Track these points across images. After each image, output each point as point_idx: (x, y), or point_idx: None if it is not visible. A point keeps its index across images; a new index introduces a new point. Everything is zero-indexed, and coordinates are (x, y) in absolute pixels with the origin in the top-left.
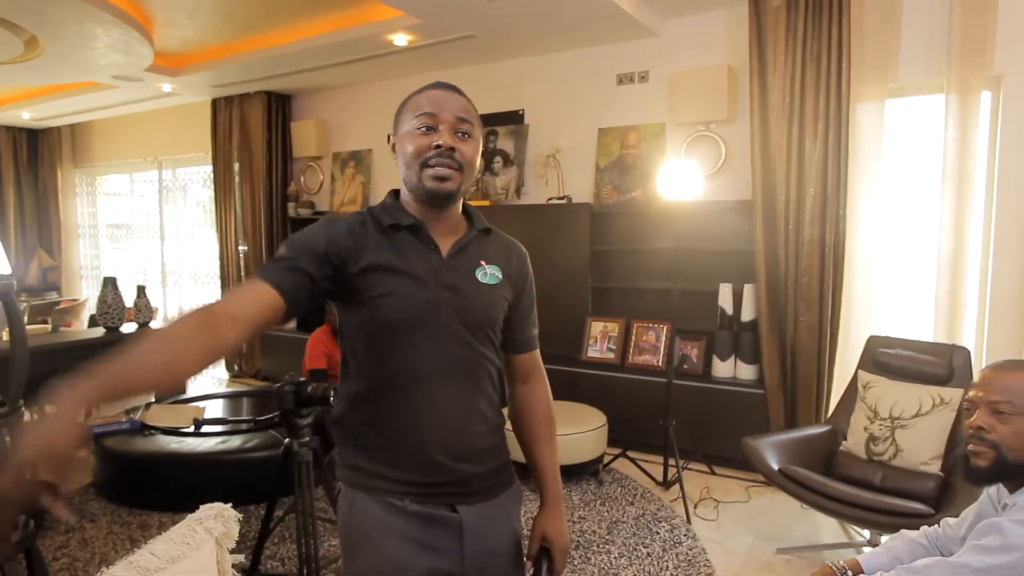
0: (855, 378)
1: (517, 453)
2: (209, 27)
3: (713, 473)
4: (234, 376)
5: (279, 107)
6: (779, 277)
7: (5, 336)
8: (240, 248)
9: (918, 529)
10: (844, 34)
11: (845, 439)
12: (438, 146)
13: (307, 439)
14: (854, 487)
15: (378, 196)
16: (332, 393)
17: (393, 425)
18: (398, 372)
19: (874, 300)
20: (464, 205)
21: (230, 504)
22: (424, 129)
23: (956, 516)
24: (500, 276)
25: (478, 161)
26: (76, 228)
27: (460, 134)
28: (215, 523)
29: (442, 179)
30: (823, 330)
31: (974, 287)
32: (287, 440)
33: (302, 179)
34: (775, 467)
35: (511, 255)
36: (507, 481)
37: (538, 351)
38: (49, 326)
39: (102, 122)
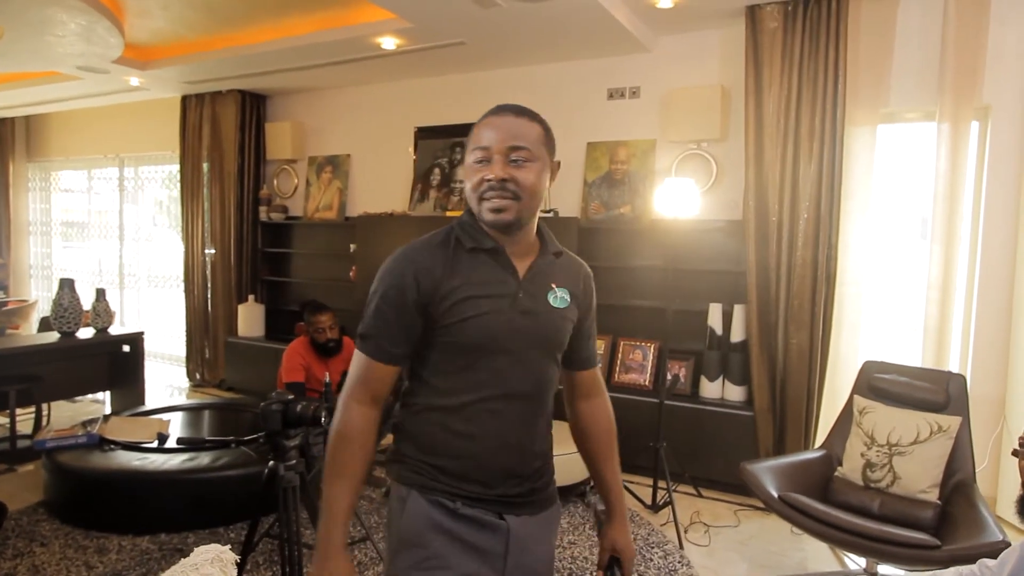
0: (850, 402)
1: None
2: (184, 20)
3: (700, 496)
4: (196, 386)
5: (253, 107)
6: (770, 298)
7: None
8: (207, 252)
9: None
10: (840, 57)
11: (841, 465)
12: (489, 180)
13: (294, 462)
14: (853, 515)
15: (356, 203)
16: (324, 414)
17: (463, 436)
18: (474, 389)
19: (863, 323)
20: (539, 227)
21: (228, 547)
22: (480, 163)
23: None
24: (568, 299)
25: (542, 183)
26: (27, 225)
27: (514, 162)
28: (213, 568)
29: (498, 211)
30: (813, 352)
31: (959, 314)
32: (272, 462)
33: (275, 182)
34: (774, 494)
35: (578, 276)
36: (551, 498)
37: (599, 367)
38: None
39: (60, 115)
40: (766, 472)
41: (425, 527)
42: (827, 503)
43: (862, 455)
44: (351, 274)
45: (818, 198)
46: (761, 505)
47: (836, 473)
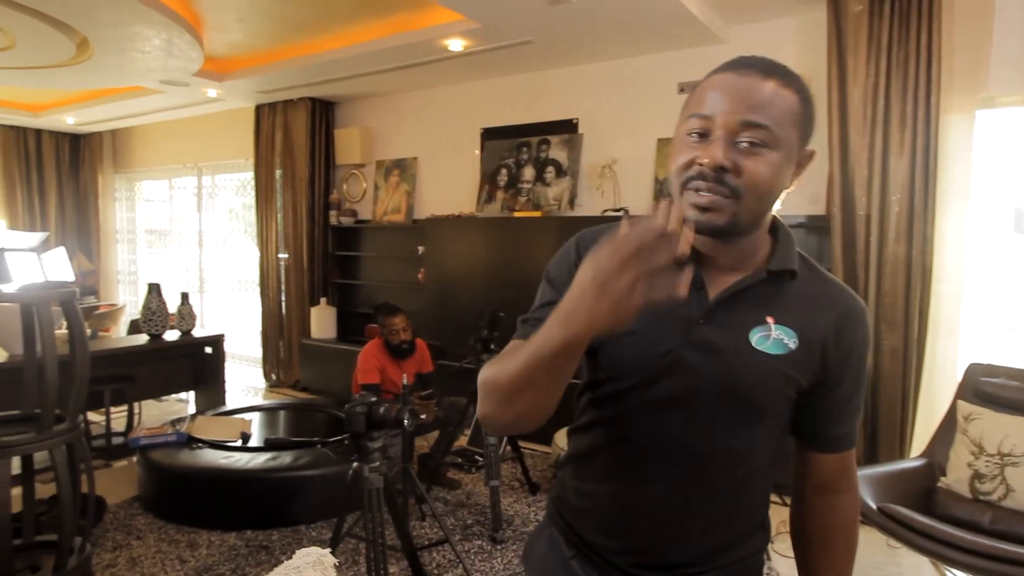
0: (953, 408)
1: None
2: (259, 31)
3: (785, 504)
4: (272, 386)
5: (323, 114)
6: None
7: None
8: (280, 256)
9: None
10: (934, 40)
11: (944, 475)
12: (700, 164)
13: (377, 463)
14: (962, 530)
15: (423, 206)
16: (407, 416)
17: (595, 490)
18: (611, 433)
19: (963, 324)
20: (775, 230)
21: (328, 550)
22: (696, 136)
23: None
24: (793, 344)
25: (779, 180)
26: (114, 233)
27: (744, 144)
28: (314, 571)
29: (704, 209)
30: (908, 354)
31: None
32: (355, 463)
33: (344, 187)
34: (872, 505)
35: (829, 314)
36: None
37: (852, 452)
38: (88, 331)
39: (143, 127)
40: (861, 481)
41: (536, 560)
42: (930, 516)
43: (969, 465)
44: (420, 276)
45: (910, 190)
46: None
47: (939, 484)
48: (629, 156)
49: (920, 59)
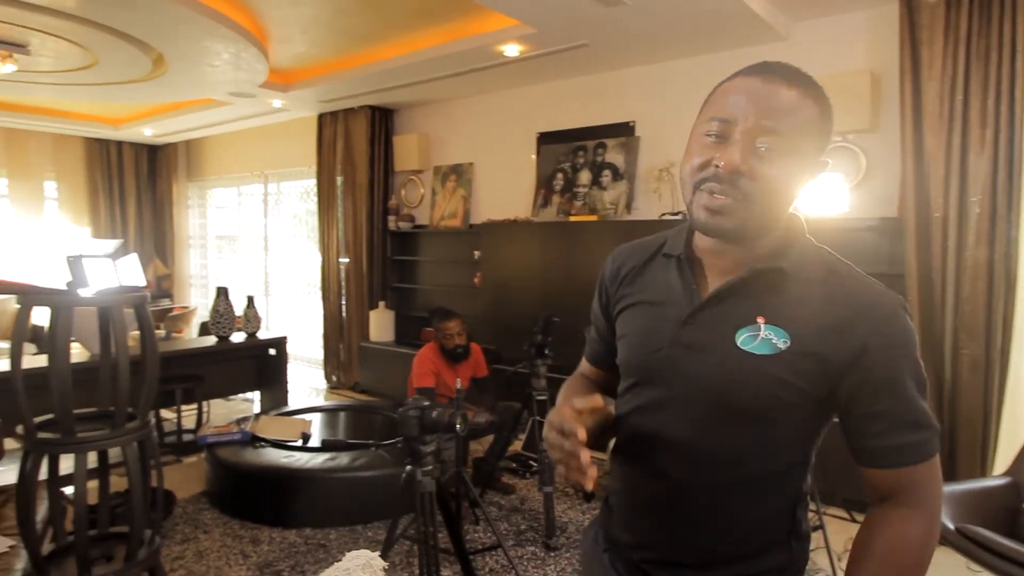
0: None
1: None
2: (322, 43)
3: (854, 520)
4: (332, 387)
5: (382, 121)
6: (935, 304)
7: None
8: (341, 260)
9: None
10: (1018, 30)
11: None
12: (716, 166)
13: (430, 467)
14: None
15: (479, 210)
16: (460, 420)
17: (616, 486)
18: (630, 427)
19: None
20: (793, 233)
21: (378, 553)
22: (712, 138)
23: None
24: (783, 346)
25: (792, 186)
26: (187, 239)
27: (762, 149)
28: (363, 574)
29: (715, 212)
30: (991, 365)
31: None
32: (409, 466)
33: (403, 192)
34: (950, 525)
35: (837, 314)
36: None
37: (914, 469)
38: (163, 332)
39: (214, 138)
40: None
41: (584, 551)
42: (1015, 539)
43: None
44: (476, 280)
45: (992, 190)
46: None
47: None
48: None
49: (1003, 51)
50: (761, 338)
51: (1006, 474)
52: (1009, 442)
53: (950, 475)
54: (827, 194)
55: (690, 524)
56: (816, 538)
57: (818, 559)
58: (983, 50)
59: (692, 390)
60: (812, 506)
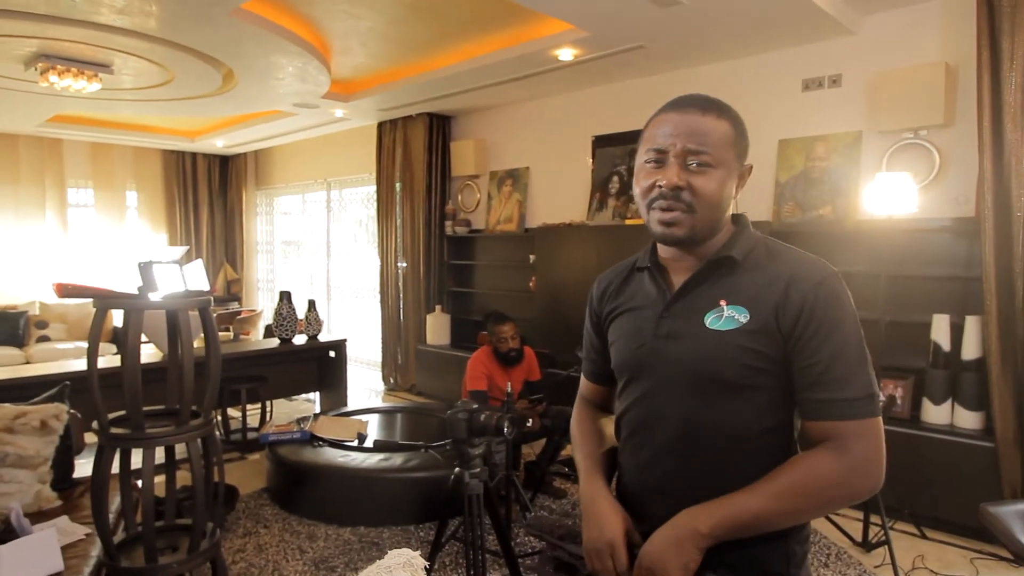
0: None
1: None
2: (380, 53)
3: (924, 537)
4: (390, 390)
5: (440, 128)
6: (1016, 308)
7: (198, 344)
8: (399, 265)
9: None
10: None
11: None
12: (660, 186)
13: (478, 470)
14: None
15: (534, 214)
16: (506, 424)
17: (622, 471)
18: (628, 422)
19: None
20: (738, 228)
21: (419, 552)
22: (652, 164)
23: None
24: (744, 319)
25: (725, 192)
26: (255, 244)
27: (692, 166)
28: (404, 572)
29: (668, 224)
30: None
31: None
32: (457, 468)
33: (459, 197)
34: None
35: (779, 285)
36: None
37: (845, 423)
38: (231, 334)
39: (279, 147)
40: (1016, 517)
41: None
42: None
43: None
44: (531, 284)
45: None
46: (1007, 555)
47: None
48: (751, 162)
49: None
50: (725, 316)
51: None
52: None
53: None
54: (896, 193)
55: (697, 492)
56: (881, 554)
57: (884, 574)
58: None
59: (677, 372)
60: (876, 519)
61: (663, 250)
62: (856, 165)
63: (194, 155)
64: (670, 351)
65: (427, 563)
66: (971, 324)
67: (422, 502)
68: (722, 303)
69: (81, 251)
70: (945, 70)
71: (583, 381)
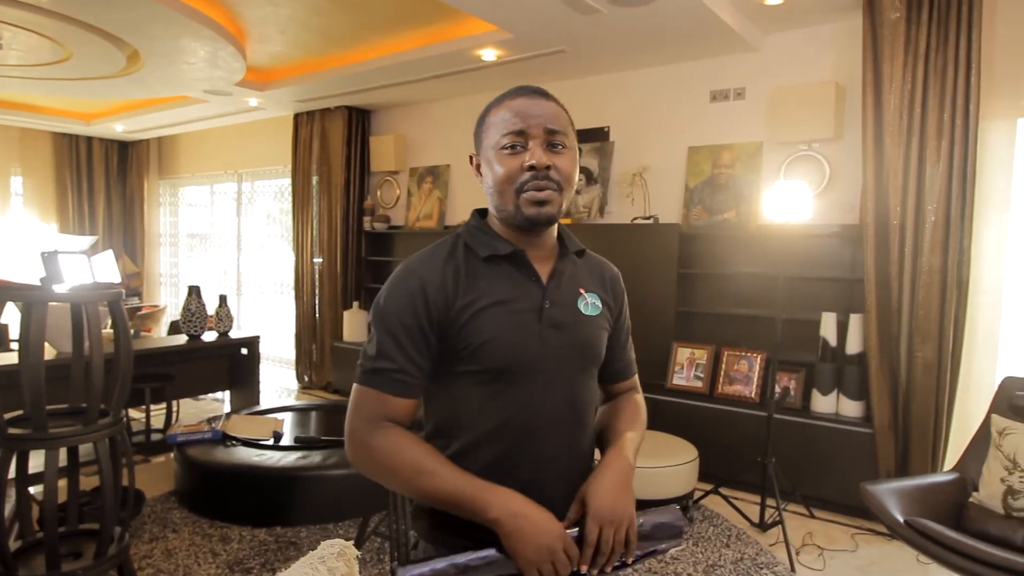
0: (987, 422)
1: None
2: (299, 43)
3: (812, 516)
4: (304, 388)
5: (359, 122)
6: (891, 308)
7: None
8: (315, 260)
9: None
10: (973, 46)
11: (976, 490)
12: (532, 167)
13: None
14: (995, 546)
15: (455, 212)
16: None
17: (507, 478)
18: (509, 422)
19: (1000, 336)
20: (558, 225)
21: (351, 542)
22: (513, 148)
23: None
24: (600, 304)
25: (576, 173)
26: (158, 236)
27: (553, 147)
28: (338, 562)
29: (541, 203)
30: (942, 367)
31: None
32: None
33: (378, 193)
34: (900, 518)
35: (604, 278)
36: None
37: (635, 376)
38: (131, 331)
39: (187, 135)
40: (890, 494)
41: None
42: (961, 531)
43: (1002, 480)
44: None
45: (947, 199)
46: (883, 530)
47: (971, 499)
48: (660, 164)
49: (959, 66)
50: (590, 303)
51: (954, 470)
52: (959, 440)
53: (904, 471)
54: (792, 201)
55: (581, 462)
56: (776, 533)
57: (778, 553)
58: (940, 65)
59: (567, 359)
60: (772, 502)
61: (517, 239)
62: (758, 173)
63: (89, 139)
64: (561, 338)
65: (359, 553)
66: (854, 321)
67: (341, 500)
68: (582, 291)
69: None
70: (835, 89)
71: (386, 401)
